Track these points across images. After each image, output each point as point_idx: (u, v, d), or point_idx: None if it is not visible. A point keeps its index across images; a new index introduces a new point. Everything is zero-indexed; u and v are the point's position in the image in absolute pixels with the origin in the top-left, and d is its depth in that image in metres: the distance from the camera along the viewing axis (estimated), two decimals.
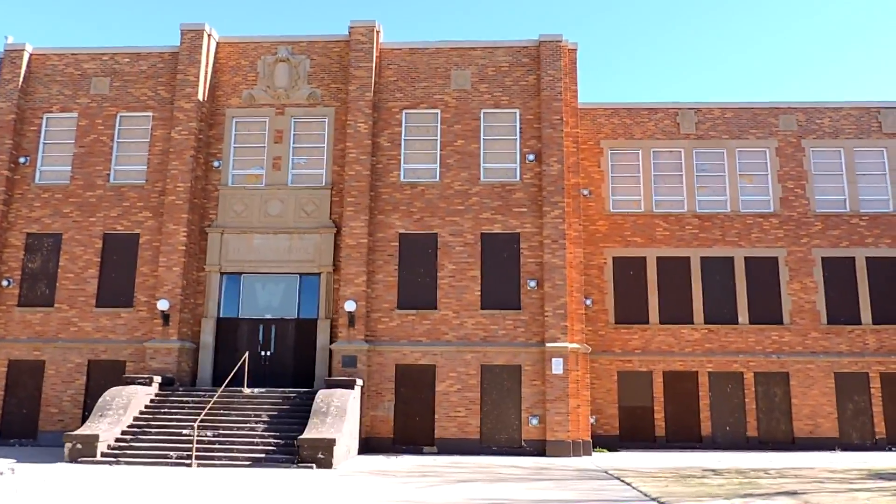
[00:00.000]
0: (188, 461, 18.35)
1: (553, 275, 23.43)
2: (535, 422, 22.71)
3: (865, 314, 26.87)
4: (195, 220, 24.61)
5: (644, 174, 28.14)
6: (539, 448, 22.47)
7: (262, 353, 23.99)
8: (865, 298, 26.98)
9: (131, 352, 23.74)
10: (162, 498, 12.70)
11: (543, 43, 25.19)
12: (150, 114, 25.58)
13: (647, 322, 27.01)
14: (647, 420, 26.39)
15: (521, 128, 24.90)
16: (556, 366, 22.74)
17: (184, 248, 23.91)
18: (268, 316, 24.35)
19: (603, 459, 21.59)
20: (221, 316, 24.37)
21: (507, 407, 23.04)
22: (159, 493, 13.39)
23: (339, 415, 19.72)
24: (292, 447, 18.89)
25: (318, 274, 24.37)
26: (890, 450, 25.49)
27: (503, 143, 25.02)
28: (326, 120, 25.48)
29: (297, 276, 24.54)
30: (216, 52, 26.14)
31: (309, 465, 18.17)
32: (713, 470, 18.24)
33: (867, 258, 27.27)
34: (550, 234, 23.70)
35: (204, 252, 24.68)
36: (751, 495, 13.22)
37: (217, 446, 19.29)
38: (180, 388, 22.33)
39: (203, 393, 21.83)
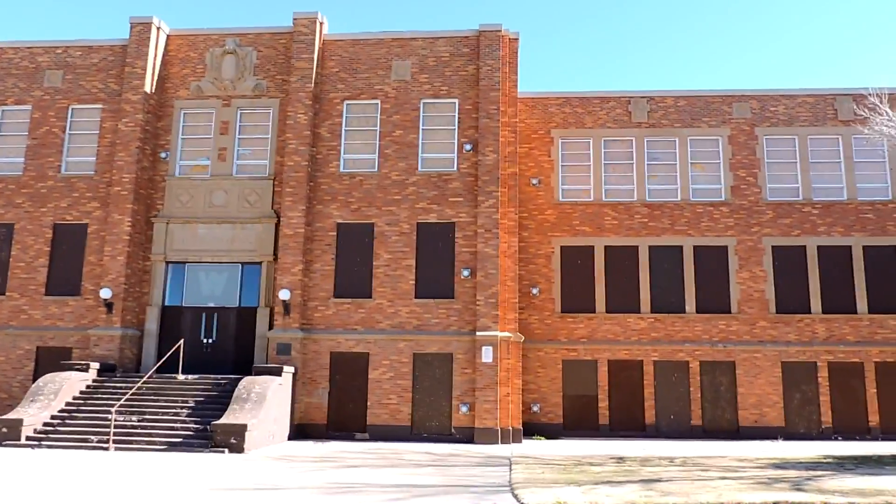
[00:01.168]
0: (106, 445, 18.96)
1: (486, 264, 23.61)
2: (465, 409, 22.98)
3: (815, 303, 26.63)
4: (141, 211, 25.18)
5: (594, 163, 28.09)
6: (468, 435, 22.75)
7: (205, 340, 24.53)
8: (816, 287, 26.73)
9: (78, 339, 24.43)
10: (53, 477, 13.26)
11: (483, 33, 25.26)
12: (101, 106, 26.17)
13: (594, 311, 27.05)
14: (591, 408, 26.49)
15: (459, 118, 25.04)
16: (486, 354, 22.96)
17: (128, 237, 24.50)
18: (211, 304, 24.88)
19: (528, 447, 21.80)
20: (166, 304, 24.95)
21: (438, 395, 23.34)
22: (56, 473, 13.95)
23: (259, 401, 20.18)
24: (210, 432, 19.40)
25: (260, 263, 24.83)
26: (836, 439, 25.31)
27: (442, 133, 25.18)
28: (271, 111, 25.86)
29: (240, 265, 25.02)
30: (166, 45, 26.62)
31: (221, 449, 18.68)
32: (619, 458, 18.37)
33: (819, 247, 26.99)
34: (484, 224, 23.87)
35: (150, 242, 25.25)
36: (610, 482, 13.39)
37: (139, 431, 19.89)
38: (118, 375, 22.95)
39: (139, 379, 22.43)
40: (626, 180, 27.92)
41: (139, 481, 13.36)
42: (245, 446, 18.76)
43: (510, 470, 15.59)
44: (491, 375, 22.84)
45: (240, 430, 18.80)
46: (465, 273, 23.81)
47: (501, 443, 22.60)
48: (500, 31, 25.16)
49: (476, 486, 13.24)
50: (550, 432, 25.87)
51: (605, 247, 27.48)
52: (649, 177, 27.89)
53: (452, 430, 23.02)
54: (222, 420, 19.22)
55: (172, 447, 19.09)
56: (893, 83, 30.35)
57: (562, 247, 27.60)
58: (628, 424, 26.25)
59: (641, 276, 27.17)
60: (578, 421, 26.39)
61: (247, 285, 24.92)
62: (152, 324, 24.60)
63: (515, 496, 11.81)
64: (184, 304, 24.94)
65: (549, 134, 28.41)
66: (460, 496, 11.97)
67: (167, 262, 25.13)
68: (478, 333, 23.11)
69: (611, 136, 28.23)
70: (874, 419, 25.77)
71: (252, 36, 26.48)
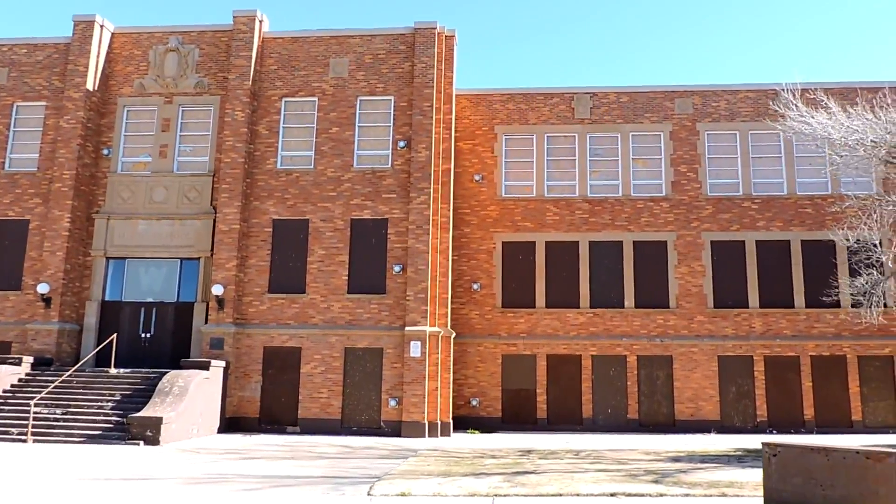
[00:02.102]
0: (25, 437, 19.34)
1: (416, 260, 23.87)
2: (393, 403, 23.26)
3: (753, 298, 26.79)
4: (82, 207, 25.52)
5: (537, 159, 28.29)
6: (397, 429, 23.03)
7: (143, 335, 24.89)
8: (754, 282, 26.88)
9: (17, 333, 24.81)
10: None
11: (418, 30, 25.48)
12: (44, 103, 26.51)
13: (534, 306, 27.27)
14: (529, 403, 26.73)
15: (395, 115, 25.28)
16: (414, 349, 23.22)
17: (67, 233, 24.84)
18: (150, 299, 25.22)
19: (453, 440, 22.08)
20: (106, 299, 25.30)
21: (368, 389, 23.63)
22: None
23: (180, 395, 20.52)
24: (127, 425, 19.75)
25: (198, 259, 25.14)
26: (771, 432, 25.47)
27: (378, 130, 25.43)
28: (212, 108, 26.14)
29: (179, 260, 25.34)
30: (110, 43, 26.92)
31: (137, 442, 19.02)
32: (527, 451, 18.61)
33: (757, 241, 27.15)
34: (415, 220, 24.12)
35: (92, 237, 25.59)
36: (483, 474, 13.64)
37: (61, 423, 20.26)
38: (50, 369, 23.32)
39: (74, 373, 22.78)
40: (569, 176, 28.12)
41: (17, 472, 13.68)
42: (161, 439, 19.09)
43: (404, 462, 15.86)
44: (419, 370, 23.11)
45: (155, 423, 19.13)
46: (397, 269, 24.08)
47: (429, 436, 22.88)
48: (434, 28, 25.37)
49: (349, 477, 13.52)
50: (488, 426, 26.12)
51: (547, 242, 27.69)
52: (591, 173, 28.07)
53: (381, 424, 23.31)
54: (140, 413, 19.56)
55: (91, 439, 19.44)
56: (833, 77, 30.45)
57: (503, 242, 27.83)
58: (566, 418, 26.47)
59: (581, 271, 27.37)
60: (517, 415, 26.62)
61: (185, 281, 25.24)
62: (91, 318, 24.96)
63: (371, 487, 12.08)
64: (123, 300, 25.28)
65: (493, 130, 28.62)
66: (319, 487, 12.25)
67: (107, 258, 25.46)
68: (406, 328, 23.38)
69: (554, 132, 28.42)
70: (809, 413, 25.93)
71: (195, 34, 26.76)
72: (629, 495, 11.21)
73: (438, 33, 25.56)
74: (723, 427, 25.73)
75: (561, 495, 11.26)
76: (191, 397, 20.86)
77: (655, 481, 12.79)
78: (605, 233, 27.53)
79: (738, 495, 10.96)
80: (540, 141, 28.38)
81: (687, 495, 11.22)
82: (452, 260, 27.45)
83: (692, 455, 17.67)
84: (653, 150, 28.10)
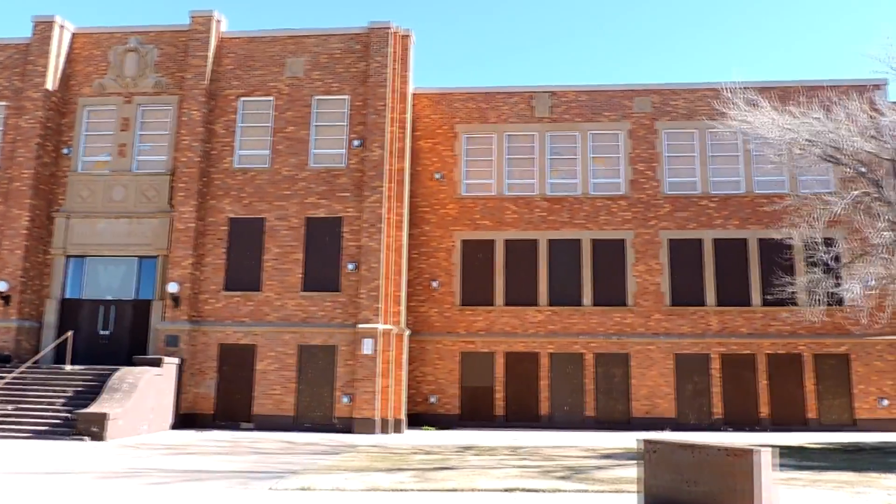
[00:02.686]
0: None
1: (369, 258, 24.06)
2: (346, 400, 23.47)
3: (710, 296, 26.96)
4: (42, 206, 25.73)
5: (497, 158, 28.47)
6: (349, 425, 23.23)
7: (102, 332, 25.11)
8: (711, 280, 27.05)
9: None
10: None
11: (373, 30, 25.65)
12: (5, 103, 26.70)
13: (493, 304, 27.47)
14: (487, 400, 26.92)
15: (350, 114, 25.47)
16: (366, 346, 23.43)
17: (27, 231, 25.06)
18: (108, 297, 25.44)
19: (403, 437, 22.29)
20: (66, 297, 25.53)
21: (321, 386, 23.84)
22: None
23: (129, 391, 20.75)
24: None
25: (156, 257, 25.35)
26: (725, 430, 25.64)
27: (333, 130, 25.62)
28: (171, 108, 26.33)
29: (137, 259, 25.56)
30: (71, 43, 27.12)
31: (83, 437, 19.26)
32: (466, 447, 18.81)
33: (714, 240, 27.30)
34: (368, 219, 24.32)
35: (52, 236, 25.80)
36: (400, 469, 13.84)
37: (12, 419, 20.49)
38: (7, 366, 23.53)
39: (27, 369, 23.02)
40: (528, 174, 28.29)
41: None
42: (106, 434, 19.33)
43: (333, 458, 16.06)
44: (370, 367, 23.31)
45: (100, 419, 19.37)
46: (351, 267, 24.28)
47: (381, 433, 23.09)
48: (389, 28, 25.54)
49: (267, 472, 13.71)
50: (446, 423, 26.33)
51: (506, 240, 27.87)
52: (551, 171, 28.24)
53: (334, 421, 23.53)
54: (86, 409, 19.79)
55: (38, 435, 19.68)
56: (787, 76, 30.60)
57: (463, 240, 28.02)
58: (523, 415, 26.67)
59: (540, 269, 27.55)
60: (475, 412, 26.83)
61: (143, 278, 25.46)
62: (51, 316, 25.18)
63: (278, 482, 12.28)
64: (83, 297, 25.51)
65: (454, 129, 28.80)
66: (228, 481, 12.46)
67: (67, 256, 25.68)
68: (358, 326, 23.59)
69: (513, 130, 28.59)
70: (765, 410, 26.10)
71: (154, 34, 26.94)
72: (525, 490, 11.41)
73: (393, 33, 25.73)
74: (679, 425, 25.88)
75: (458, 490, 11.45)
76: (140, 394, 21.08)
77: (565, 477, 12.98)
78: (564, 231, 27.70)
79: (629, 491, 11.14)
80: (500, 140, 28.55)
81: (582, 491, 11.41)
82: (412, 258, 27.71)
83: (627, 452, 17.85)
84: (611, 148, 28.26)
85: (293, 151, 25.39)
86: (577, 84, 28.89)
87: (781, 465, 14.94)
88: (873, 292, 19.56)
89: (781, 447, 19.24)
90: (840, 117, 20.01)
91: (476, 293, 27.62)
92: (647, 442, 9.87)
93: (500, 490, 11.46)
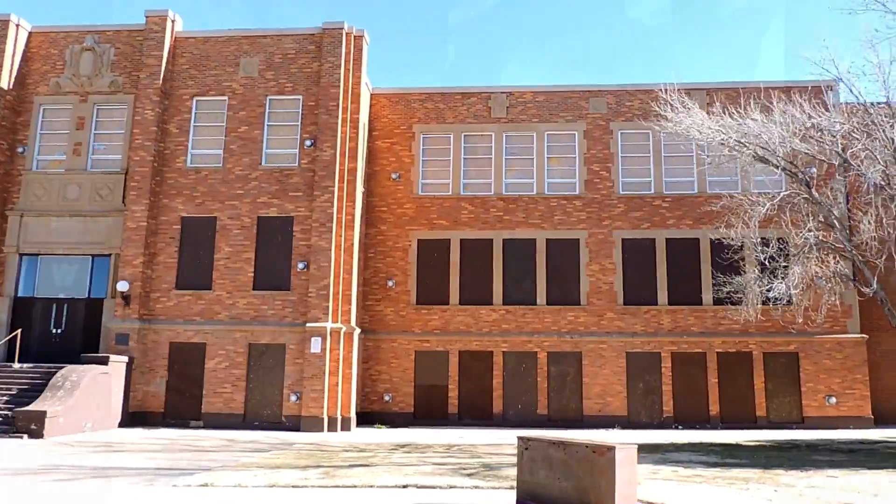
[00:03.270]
0: None
1: (319, 257, 24.22)
2: (294, 398, 23.62)
3: (662, 295, 27.16)
4: None
5: (454, 158, 28.63)
6: (297, 424, 23.38)
7: (54, 330, 25.23)
8: (663, 279, 27.25)
9: None
10: None
11: (326, 30, 25.80)
12: None
13: (448, 303, 27.64)
14: (441, 398, 27.09)
15: (303, 114, 25.61)
16: (315, 345, 23.58)
17: None
18: (62, 295, 25.56)
19: (350, 435, 22.48)
20: (19, 295, 25.63)
21: (271, 384, 24.00)
22: None
23: (71, 389, 20.89)
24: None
25: (109, 255, 25.47)
26: (676, 428, 25.82)
27: (286, 129, 25.77)
28: (126, 107, 26.44)
29: (91, 257, 25.68)
30: (27, 42, 27.20)
31: (21, 435, 19.38)
32: (402, 445, 18.97)
33: (667, 239, 27.50)
34: (319, 218, 24.47)
35: (5, 234, 25.90)
36: (316, 467, 14.00)
37: None
38: None
39: None
40: (485, 174, 28.46)
41: None
42: (45, 432, 19.45)
43: (260, 455, 16.22)
44: (318, 366, 23.46)
45: (39, 417, 19.50)
46: (301, 266, 24.43)
47: (329, 431, 23.25)
48: (342, 28, 25.69)
49: (181, 469, 13.84)
50: (400, 421, 26.49)
51: (461, 240, 28.05)
52: (507, 171, 28.42)
53: (283, 419, 23.68)
54: (26, 407, 19.92)
55: None
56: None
57: (419, 240, 28.18)
58: (477, 414, 26.85)
59: (495, 269, 27.73)
60: (429, 410, 26.99)
61: (97, 277, 25.59)
62: (3, 314, 25.29)
63: (183, 478, 12.44)
64: (36, 296, 25.62)
65: (411, 129, 28.96)
66: (136, 478, 12.60)
67: (20, 254, 25.78)
68: (307, 325, 23.75)
69: (470, 131, 28.76)
70: (714, 409, 26.31)
71: (111, 33, 27.05)
72: (418, 487, 11.58)
73: (347, 33, 25.88)
74: (629, 423, 26.08)
75: (356, 487, 11.62)
76: (84, 391, 21.21)
77: (472, 475, 13.14)
78: (519, 231, 27.88)
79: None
80: (457, 140, 28.72)
81: (475, 487, 11.58)
82: (368, 257, 27.90)
83: None
84: (567, 148, 28.44)
85: (246, 151, 25.53)
86: (534, 85, 29.09)
87: (697, 463, 15.15)
88: (798, 291, 19.69)
89: (716, 444, 19.52)
90: (779, 119, 20.22)
91: (431, 292, 27.80)
92: (521, 439, 10.05)
93: (396, 486, 11.62)
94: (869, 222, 19.55)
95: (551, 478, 9.52)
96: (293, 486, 11.71)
